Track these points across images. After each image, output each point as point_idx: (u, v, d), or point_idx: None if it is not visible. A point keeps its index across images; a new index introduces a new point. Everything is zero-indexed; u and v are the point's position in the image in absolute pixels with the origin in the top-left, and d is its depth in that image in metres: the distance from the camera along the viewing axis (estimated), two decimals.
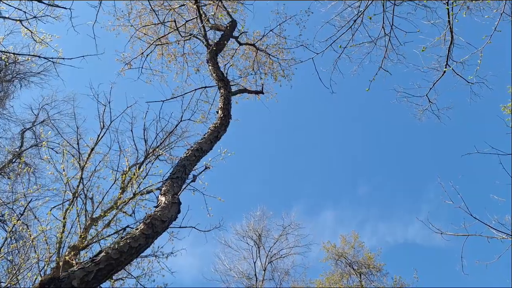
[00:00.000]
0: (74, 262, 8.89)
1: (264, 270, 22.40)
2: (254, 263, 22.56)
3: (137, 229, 5.65)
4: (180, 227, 10.86)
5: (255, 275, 22.16)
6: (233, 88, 11.44)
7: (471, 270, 8.77)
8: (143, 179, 13.19)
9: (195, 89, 12.87)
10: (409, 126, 43.63)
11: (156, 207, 6.14)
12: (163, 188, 6.47)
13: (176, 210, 6.29)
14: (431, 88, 10.21)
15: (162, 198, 6.25)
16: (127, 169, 13.41)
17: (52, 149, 14.79)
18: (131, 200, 12.44)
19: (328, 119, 44.19)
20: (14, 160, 15.48)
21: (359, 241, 19.08)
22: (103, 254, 5.22)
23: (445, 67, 9.40)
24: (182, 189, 6.66)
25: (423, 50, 9.20)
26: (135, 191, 12.48)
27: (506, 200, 7.95)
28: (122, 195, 12.49)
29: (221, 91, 9.89)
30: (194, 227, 11.59)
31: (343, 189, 45.52)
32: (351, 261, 18.69)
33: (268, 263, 22.67)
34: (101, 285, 12.57)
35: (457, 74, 9.56)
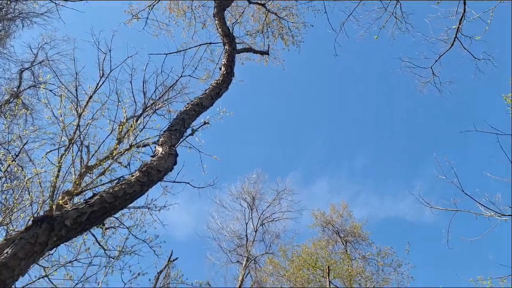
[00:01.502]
0: (67, 206, 8.97)
1: (255, 232, 22.89)
2: (246, 224, 23.02)
3: (133, 175, 5.66)
4: (174, 182, 10.88)
5: (246, 235, 22.65)
6: (239, 47, 11.25)
7: (456, 245, 8.93)
8: (140, 131, 13.17)
9: (200, 44, 12.66)
10: (410, 100, 43.39)
11: (152, 156, 6.12)
12: (161, 139, 6.44)
13: (173, 161, 6.28)
14: (436, 60, 10.08)
15: (159, 149, 6.23)
16: (125, 121, 13.36)
17: (50, 91, 14.60)
18: (127, 152, 12.46)
19: (330, 89, 43.89)
20: (11, 100, 15.33)
21: (348, 210, 19.45)
22: (97, 197, 5.24)
23: (454, 40, 9.24)
24: (179, 142, 6.64)
25: (438, 3, 8.94)
26: (132, 143, 12.48)
27: (501, 179, 8.00)
28: (118, 146, 12.49)
29: (226, 47, 9.69)
30: (188, 183, 11.62)
31: (341, 160, 45.83)
32: (338, 229, 19.07)
33: (260, 225, 23.12)
34: (93, 233, 12.73)
35: (465, 49, 9.41)
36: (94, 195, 5.31)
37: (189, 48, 12.53)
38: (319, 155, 45.43)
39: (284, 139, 46.93)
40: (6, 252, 4.52)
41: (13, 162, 9.15)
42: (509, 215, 7.68)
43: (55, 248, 5.53)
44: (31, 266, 4.74)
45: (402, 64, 10.45)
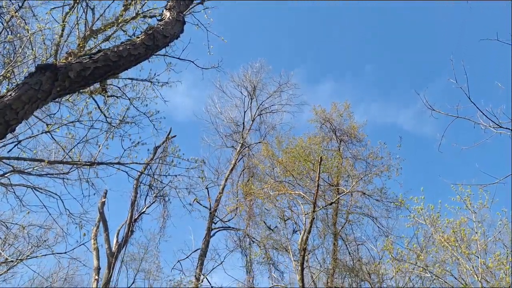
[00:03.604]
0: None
1: (253, 121, 23.23)
2: (245, 112, 23.24)
3: (138, 37, 5.52)
4: (178, 58, 10.73)
5: (243, 123, 23.04)
6: None
7: (447, 151, 9.11)
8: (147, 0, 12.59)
9: None
10: (428, 7, 41.08)
11: (159, 20, 5.91)
12: (169, 3, 6.15)
13: (180, 29, 6.09)
14: None
15: (167, 13, 5.99)
16: None
17: None
18: (133, 20, 12.05)
19: None
20: None
21: (348, 111, 19.54)
22: (101, 54, 5.16)
23: None
24: (188, 9, 6.36)
25: None
26: (138, 11, 12.01)
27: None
28: (124, 13, 12.04)
29: None
30: (193, 62, 11.46)
31: (349, 64, 44.89)
32: (335, 128, 19.38)
33: (258, 115, 23.38)
34: (96, 100, 12.83)
35: None
36: (99, 51, 5.23)
37: None
38: (328, 56, 44.34)
39: (295, 31, 45.30)
40: (10, 94, 4.57)
41: (16, 13, 8.85)
42: (507, 128, 7.73)
43: (57, 99, 5.61)
44: (34, 111, 4.85)
45: None
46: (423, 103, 8.33)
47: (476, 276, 10.91)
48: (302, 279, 9.71)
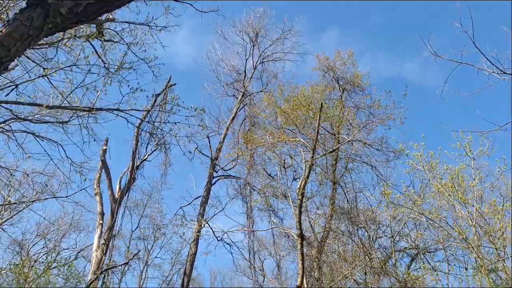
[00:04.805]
0: None
1: (254, 69, 22.87)
2: (246, 60, 22.80)
3: None
4: (176, 1, 10.41)
5: (245, 71, 22.67)
6: None
7: (451, 101, 9.00)
8: None
9: None
10: None
11: None
12: None
13: None
14: None
15: None
16: None
17: None
18: None
19: None
20: None
21: (352, 59, 19.09)
22: None
23: None
24: None
25: None
26: None
27: None
28: None
29: None
30: (191, 4, 11.14)
31: (356, 14, 43.50)
32: (338, 76, 19.06)
33: (260, 63, 22.96)
34: (93, 45, 12.58)
35: None
36: None
37: None
38: (333, 4, 42.92)
39: None
40: (1, 31, 4.45)
41: None
42: (509, 74, 7.57)
43: (50, 36, 5.47)
44: (26, 48, 4.74)
45: None
46: (428, 50, 8.12)
47: (471, 221, 11.16)
48: (299, 222, 9.94)
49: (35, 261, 20.68)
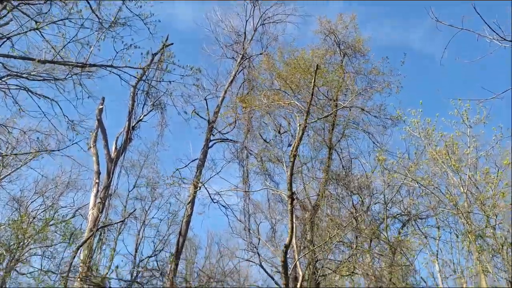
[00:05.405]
0: None
1: (255, 31, 22.37)
2: (246, 21, 22.25)
3: None
4: None
5: (245, 33, 22.17)
6: None
7: (449, 65, 8.82)
8: None
9: None
10: None
11: None
12: None
13: None
14: None
15: None
16: None
17: None
18: None
19: None
20: None
21: (354, 23, 18.61)
22: None
23: None
24: None
25: None
26: None
27: None
28: None
29: None
30: None
31: None
32: (339, 40, 18.66)
33: (260, 24, 22.43)
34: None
35: None
36: None
37: None
38: None
39: None
40: None
41: None
42: (510, 41, 7.38)
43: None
44: None
45: None
46: (431, 18, 7.88)
47: (462, 188, 11.20)
48: (290, 183, 9.98)
49: (34, 218, 21.05)
